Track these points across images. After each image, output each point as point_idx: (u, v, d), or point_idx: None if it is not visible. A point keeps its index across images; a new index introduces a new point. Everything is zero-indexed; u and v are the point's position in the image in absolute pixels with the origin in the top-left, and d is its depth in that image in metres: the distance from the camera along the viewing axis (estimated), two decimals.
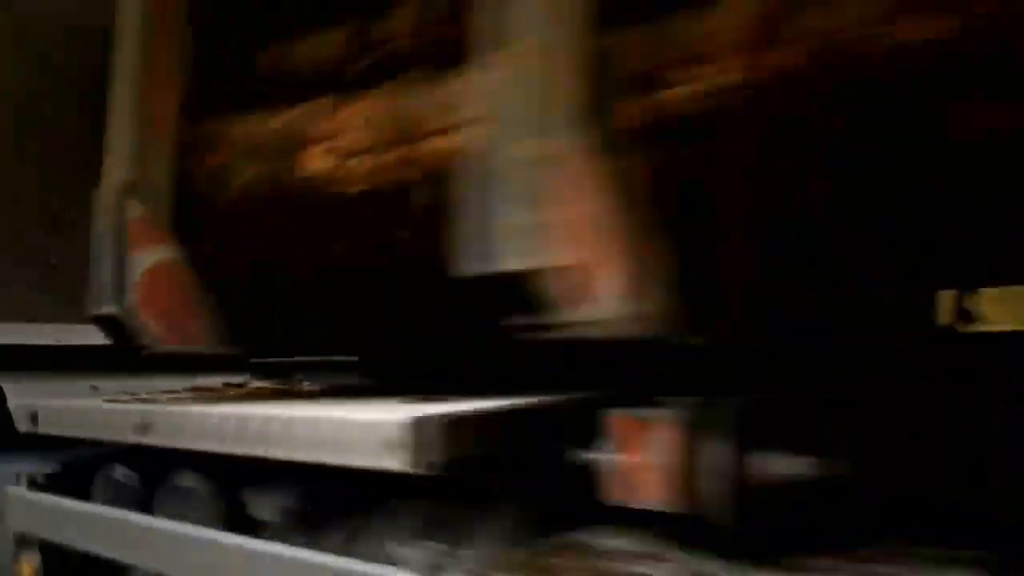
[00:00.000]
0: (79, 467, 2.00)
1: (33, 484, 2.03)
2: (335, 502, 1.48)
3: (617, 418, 1.17)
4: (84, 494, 1.93)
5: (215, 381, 2.43)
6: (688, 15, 1.11)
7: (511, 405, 1.32)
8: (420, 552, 1.29)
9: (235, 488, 1.62)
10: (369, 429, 1.17)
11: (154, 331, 1.74)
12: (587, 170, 1.08)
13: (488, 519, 1.28)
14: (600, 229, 1.08)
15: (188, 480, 1.70)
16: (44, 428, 1.99)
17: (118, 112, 1.77)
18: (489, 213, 1.15)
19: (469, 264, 1.16)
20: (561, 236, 1.10)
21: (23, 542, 2.01)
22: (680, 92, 1.09)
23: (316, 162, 1.58)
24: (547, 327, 1.13)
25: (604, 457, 1.16)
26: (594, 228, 1.08)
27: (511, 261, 1.13)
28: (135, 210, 1.73)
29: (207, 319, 1.80)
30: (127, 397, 1.96)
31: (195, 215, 1.80)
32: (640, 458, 1.12)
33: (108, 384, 2.17)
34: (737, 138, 1.08)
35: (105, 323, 1.77)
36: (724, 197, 1.14)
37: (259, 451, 1.36)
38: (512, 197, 1.14)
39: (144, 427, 1.62)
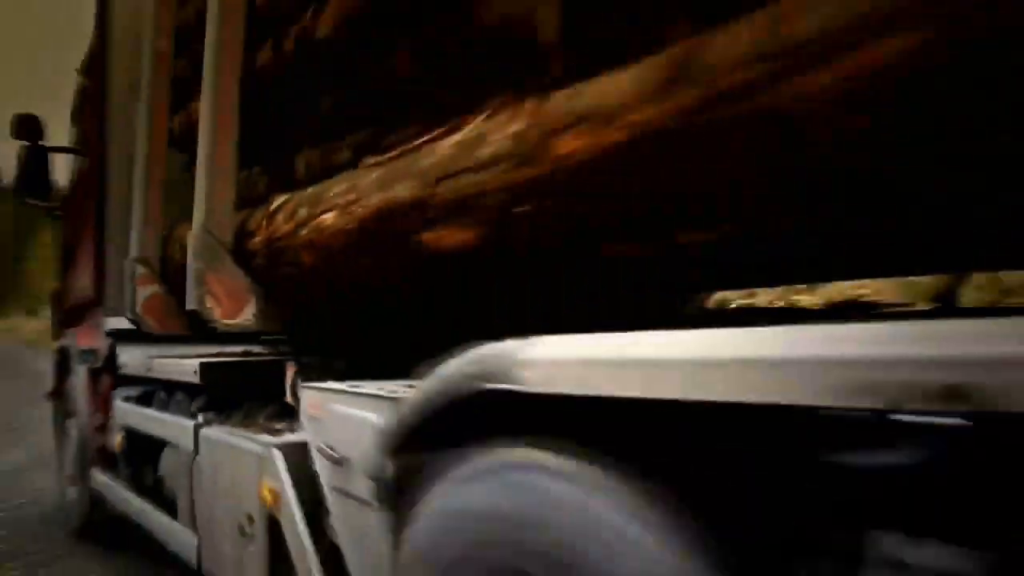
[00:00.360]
0: (146, 392, 3.89)
1: (125, 399, 3.97)
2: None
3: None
4: (147, 404, 3.81)
5: (237, 348, 4.23)
6: None
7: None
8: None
9: (190, 399, 3.39)
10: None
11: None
12: None
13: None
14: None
15: (178, 396, 3.49)
16: (130, 371, 3.94)
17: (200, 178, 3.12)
18: None
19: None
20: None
21: (121, 428, 3.96)
22: None
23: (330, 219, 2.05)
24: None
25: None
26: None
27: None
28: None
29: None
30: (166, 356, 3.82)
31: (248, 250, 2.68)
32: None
33: (160, 350, 4.00)
34: None
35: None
36: None
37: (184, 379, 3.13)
38: None
39: (148, 368, 3.51)
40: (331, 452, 1.88)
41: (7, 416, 10.41)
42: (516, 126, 1.46)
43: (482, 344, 1.30)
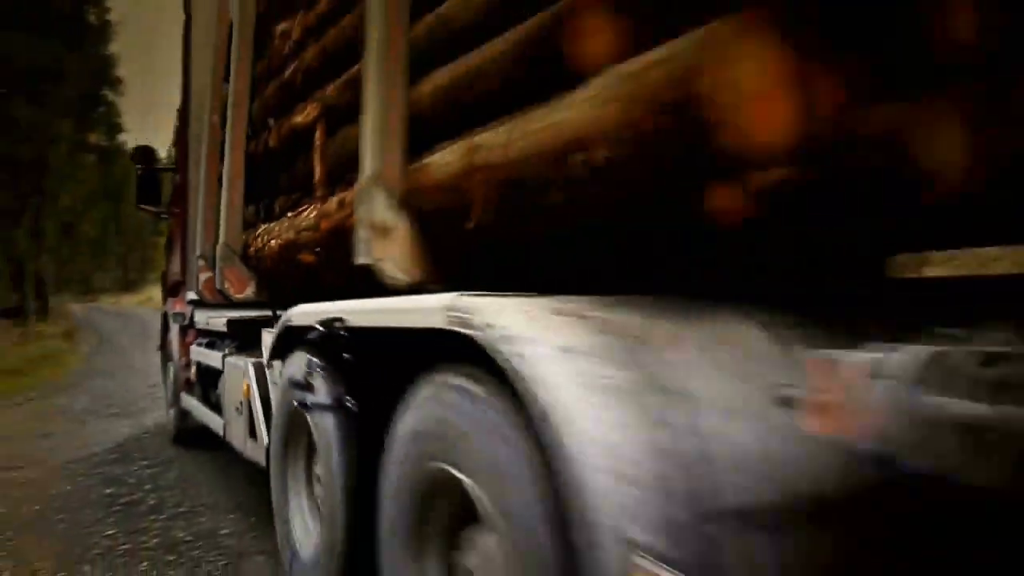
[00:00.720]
0: (210, 340, 5.98)
1: (197, 345, 6.11)
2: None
3: None
4: (211, 348, 5.89)
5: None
6: None
7: None
8: None
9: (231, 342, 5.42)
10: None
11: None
12: None
13: None
14: None
15: (226, 341, 5.52)
16: (201, 327, 6.08)
17: (222, 211, 5.38)
18: None
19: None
20: None
21: (194, 364, 6.11)
22: None
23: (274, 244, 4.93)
24: None
25: None
26: None
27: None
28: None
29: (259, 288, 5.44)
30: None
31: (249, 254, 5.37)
32: None
33: (215, 313, 6.07)
34: None
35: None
36: None
37: (220, 329, 5.18)
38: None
39: (207, 324, 5.63)
40: (263, 362, 3.85)
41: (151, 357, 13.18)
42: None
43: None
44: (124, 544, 4.55)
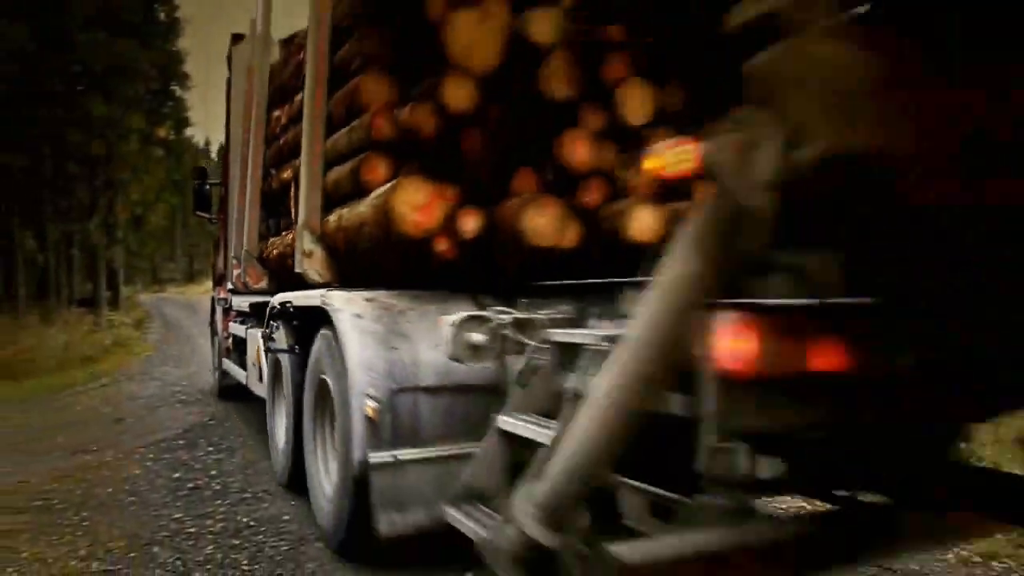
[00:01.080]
0: (244, 319, 8.20)
1: (233, 322, 8.37)
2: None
3: None
4: (243, 323, 8.09)
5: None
6: None
7: None
8: None
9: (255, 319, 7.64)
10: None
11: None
12: None
13: None
14: None
15: (252, 319, 7.71)
16: (237, 309, 8.35)
17: (246, 227, 7.55)
18: None
19: None
20: None
21: (230, 336, 8.40)
22: None
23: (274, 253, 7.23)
24: None
25: None
26: None
27: None
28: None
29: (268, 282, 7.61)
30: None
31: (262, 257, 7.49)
32: None
33: (245, 299, 8.26)
34: None
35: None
36: None
37: (247, 310, 7.38)
38: None
39: (240, 306, 7.87)
40: (264, 330, 6.02)
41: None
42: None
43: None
44: (190, 527, 4.72)
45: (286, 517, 4.84)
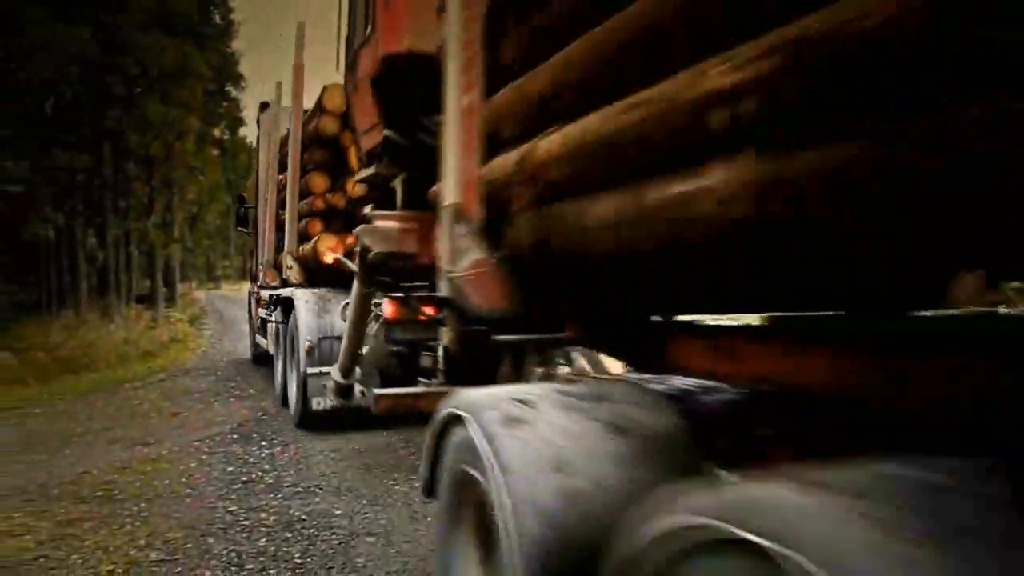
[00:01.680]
0: (270, 307, 10.59)
1: (261, 308, 11.78)
2: None
3: None
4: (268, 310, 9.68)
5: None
6: None
7: None
8: None
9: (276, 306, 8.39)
10: None
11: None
12: None
13: None
14: None
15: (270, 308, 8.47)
16: (265, 299, 9.68)
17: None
18: None
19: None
20: None
21: (259, 318, 11.92)
22: None
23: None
24: None
25: None
26: None
27: None
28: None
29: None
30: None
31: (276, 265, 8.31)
32: None
33: (269, 291, 10.07)
34: None
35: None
36: None
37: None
38: None
39: (266, 298, 8.50)
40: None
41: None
42: None
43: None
44: (244, 520, 4.76)
45: (337, 512, 5.00)
